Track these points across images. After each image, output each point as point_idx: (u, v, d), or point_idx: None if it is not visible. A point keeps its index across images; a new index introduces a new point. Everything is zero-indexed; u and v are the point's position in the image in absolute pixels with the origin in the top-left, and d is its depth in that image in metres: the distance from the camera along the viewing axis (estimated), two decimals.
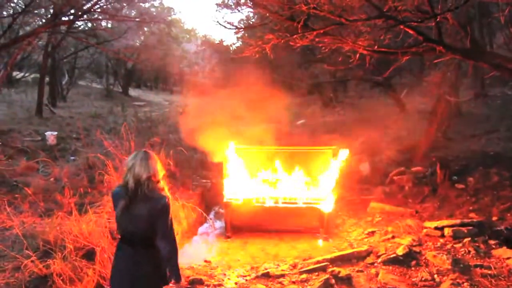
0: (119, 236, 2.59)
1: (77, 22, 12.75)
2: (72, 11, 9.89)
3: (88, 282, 3.53)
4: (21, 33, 12.56)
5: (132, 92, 26.37)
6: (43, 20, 11.32)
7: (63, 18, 9.98)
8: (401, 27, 3.95)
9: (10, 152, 7.89)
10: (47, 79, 15.57)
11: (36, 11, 10.71)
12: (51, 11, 10.48)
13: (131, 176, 2.40)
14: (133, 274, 2.48)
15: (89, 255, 3.77)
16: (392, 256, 4.35)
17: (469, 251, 4.38)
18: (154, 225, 2.40)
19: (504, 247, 4.42)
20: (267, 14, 5.05)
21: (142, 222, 2.40)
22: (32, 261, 3.43)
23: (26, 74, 20.45)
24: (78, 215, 4.14)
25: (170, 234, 2.47)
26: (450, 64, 7.69)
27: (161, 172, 2.50)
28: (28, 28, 12.57)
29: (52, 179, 6.53)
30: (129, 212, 2.39)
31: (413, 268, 4.17)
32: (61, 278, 3.34)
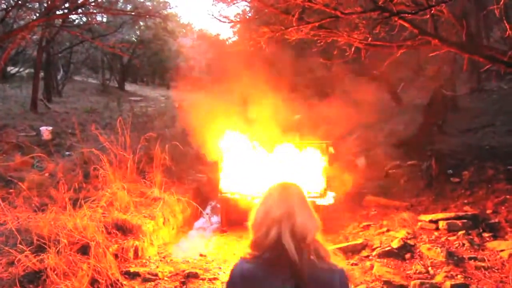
0: None
1: (71, 16, 12.65)
2: (67, 4, 9.79)
3: (83, 277, 3.52)
4: (15, 27, 12.43)
5: (128, 87, 26.25)
6: (37, 14, 11.21)
7: (57, 12, 9.88)
8: (396, 19, 3.94)
9: (4, 148, 7.84)
10: (42, 74, 15.46)
11: (30, 5, 10.60)
12: (45, 5, 10.37)
13: (289, 234, 1.34)
14: None
15: (84, 250, 3.75)
16: (387, 249, 4.37)
17: (463, 244, 4.41)
18: None
19: (498, 240, 4.45)
20: (263, 8, 5.02)
21: None
22: (26, 256, 3.42)
23: (21, 69, 20.28)
24: (73, 210, 4.13)
25: None
26: (446, 58, 7.69)
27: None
28: (22, 23, 12.45)
29: (47, 174, 6.50)
30: None
31: (407, 261, 4.20)
32: (55, 272, 3.32)
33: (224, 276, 4.15)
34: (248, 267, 1.38)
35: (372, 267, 4.08)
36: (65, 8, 10.00)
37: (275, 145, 6.17)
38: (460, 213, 5.03)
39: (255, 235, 1.42)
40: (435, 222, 4.96)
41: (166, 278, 4.02)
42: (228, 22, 6.01)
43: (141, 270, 4.07)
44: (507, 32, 3.78)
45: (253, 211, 1.48)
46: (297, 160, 6.02)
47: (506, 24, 3.85)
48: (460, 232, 4.65)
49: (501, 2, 3.56)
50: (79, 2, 9.33)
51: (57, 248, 3.54)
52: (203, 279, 4.05)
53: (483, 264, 3.97)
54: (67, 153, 8.06)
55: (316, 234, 1.41)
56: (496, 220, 4.89)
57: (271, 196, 1.46)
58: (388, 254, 4.31)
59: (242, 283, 1.38)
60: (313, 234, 1.39)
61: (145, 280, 3.90)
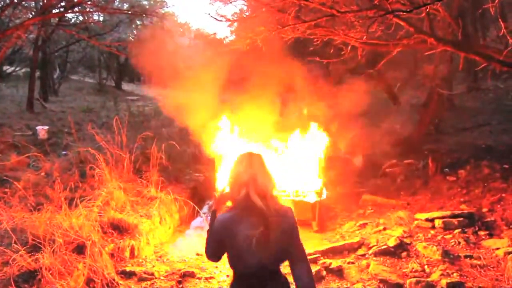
0: (236, 276, 1.95)
1: (68, 15, 12.60)
2: (63, 3, 9.74)
3: (78, 276, 3.50)
4: (10, 26, 12.36)
5: (125, 86, 26.16)
6: (33, 13, 11.16)
7: (53, 11, 9.83)
8: (392, 18, 3.94)
9: (0, 147, 7.80)
10: (38, 73, 15.38)
11: (25, 4, 10.54)
12: (41, 3, 10.32)
13: (254, 191, 1.82)
14: None
15: (79, 249, 3.74)
16: (383, 247, 4.38)
17: (459, 242, 4.43)
18: (289, 249, 1.89)
19: (494, 238, 4.47)
20: (259, 6, 5.01)
21: (276, 248, 1.83)
22: (21, 256, 3.40)
23: (17, 68, 20.19)
24: (69, 209, 4.11)
25: (306, 254, 1.97)
26: (443, 57, 7.71)
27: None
28: (18, 21, 12.38)
29: (43, 173, 6.47)
30: (263, 242, 1.78)
31: (403, 259, 4.21)
32: (51, 272, 3.31)
33: (221, 275, 4.15)
34: (227, 216, 1.86)
35: (368, 265, 4.09)
36: (61, 6, 9.94)
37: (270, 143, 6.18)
38: (456, 212, 5.05)
39: (230, 190, 1.93)
40: (431, 220, 4.98)
41: (162, 278, 4.01)
42: (225, 21, 6.00)
43: (137, 269, 4.06)
44: (502, 31, 3.79)
45: (228, 173, 1.97)
46: (294, 158, 6.03)
47: (502, 23, 3.86)
48: (456, 231, 4.68)
49: (496, 1, 3.56)
50: (75, 0, 9.27)
51: (53, 248, 3.53)
52: (199, 278, 4.04)
53: (478, 262, 3.99)
54: (63, 152, 8.03)
55: (273, 191, 1.90)
56: (492, 219, 4.91)
57: (240, 163, 1.93)
58: (385, 252, 4.32)
59: (222, 228, 1.85)
60: (270, 191, 1.88)
61: (141, 279, 3.89)
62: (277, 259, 1.90)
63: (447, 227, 4.78)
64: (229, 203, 1.93)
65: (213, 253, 1.98)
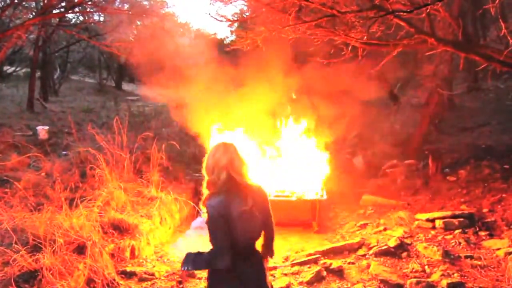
0: (230, 255, 2.08)
1: (68, 15, 12.60)
2: (63, 3, 9.74)
3: (79, 276, 3.51)
4: (11, 26, 12.36)
5: (126, 86, 26.13)
6: (34, 13, 11.16)
7: (54, 11, 9.82)
8: (392, 18, 3.94)
9: (0, 147, 7.80)
10: (38, 73, 15.39)
11: (26, 4, 10.55)
12: (42, 4, 10.32)
13: (235, 173, 2.09)
14: (259, 283, 2.24)
15: (80, 249, 3.75)
16: (383, 248, 4.38)
17: (460, 243, 4.42)
18: (266, 218, 2.25)
19: (494, 238, 4.47)
20: (260, 6, 5.01)
21: (261, 219, 2.20)
22: (21, 256, 3.40)
23: (18, 69, 20.20)
24: (69, 210, 4.11)
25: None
26: (443, 57, 7.70)
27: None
28: (18, 22, 12.38)
29: (43, 173, 6.47)
30: (251, 216, 2.10)
31: (404, 260, 4.21)
32: (51, 272, 3.31)
33: None
34: (218, 201, 2.06)
35: (368, 266, 4.09)
36: (62, 7, 9.95)
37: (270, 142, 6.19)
38: (457, 212, 5.05)
39: (209, 178, 2.14)
40: (432, 221, 4.98)
41: (162, 278, 4.01)
42: (226, 21, 6.00)
43: (137, 269, 4.06)
44: (503, 31, 3.79)
45: (205, 162, 2.21)
46: (295, 159, 6.04)
47: (502, 23, 3.85)
48: (457, 231, 4.68)
49: (497, 1, 3.56)
50: (75, 1, 9.28)
51: (53, 248, 3.53)
52: (199, 279, 4.04)
53: (479, 262, 3.98)
54: (64, 152, 8.03)
55: (247, 173, 2.16)
56: (492, 219, 4.91)
57: (217, 151, 2.17)
58: (385, 253, 4.32)
59: (218, 214, 2.03)
60: (245, 172, 2.15)
61: (142, 279, 3.90)
62: (261, 230, 2.27)
63: (447, 228, 4.78)
64: (209, 188, 2.15)
65: (224, 242, 2.05)
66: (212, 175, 2.12)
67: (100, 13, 13.73)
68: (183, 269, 2.19)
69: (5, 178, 5.99)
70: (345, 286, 3.86)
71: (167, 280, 3.99)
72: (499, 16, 3.77)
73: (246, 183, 2.11)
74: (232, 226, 2.03)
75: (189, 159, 8.03)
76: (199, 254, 2.16)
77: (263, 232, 2.34)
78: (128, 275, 3.94)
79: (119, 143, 6.07)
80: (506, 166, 6.27)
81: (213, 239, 2.07)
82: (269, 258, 2.49)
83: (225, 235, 2.04)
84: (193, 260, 2.16)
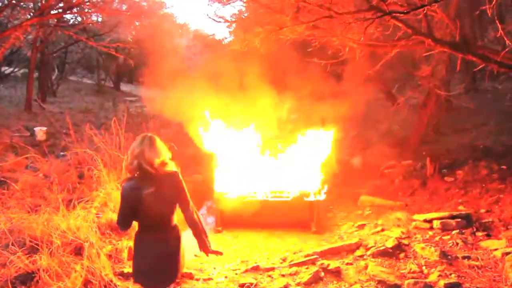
0: (139, 228, 2.63)
1: (66, 16, 12.58)
2: (61, 4, 9.73)
3: (76, 278, 3.49)
4: (9, 27, 12.34)
5: (124, 87, 26.11)
6: (31, 14, 11.14)
7: (52, 12, 9.81)
8: (389, 19, 3.95)
9: None
10: (36, 74, 15.36)
11: (24, 5, 10.53)
12: (39, 4, 10.31)
13: (144, 162, 2.42)
14: (164, 253, 2.63)
15: (77, 251, 3.74)
16: (381, 248, 4.39)
17: (457, 243, 4.43)
18: (177, 201, 2.59)
19: (492, 239, 4.48)
20: (258, 7, 5.02)
21: (168, 202, 2.55)
22: (18, 257, 3.39)
23: (16, 69, 20.14)
24: (66, 211, 4.10)
25: (191, 203, 2.66)
26: (441, 58, 7.71)
27: (168, 154, 2.59)
28: (16, 22, 12.36)
29: (41, 175, 6.45)
30: (156, 198, 2.45)
31: (401, 260, 4.21)
32: (48, 273, 3.30)
33: (219, 276, 4.15)
34: (129, 184, 2.47)
35: (366, 266, 4.09)
36: (60, 7, 9.94)
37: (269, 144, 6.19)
38: (454, 213, 5.07)
39: (126, 163, 2.54)
40: (429, 221, 4.99)
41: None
42: (224, 22, 6.00)
43: None
44: (500, 32, 3.80)
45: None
46: (293, 159, 6.03)
47: (499, 24, 3.87)
48: (454, 231, 4.69)
49: (494, 2, 3.58)
50: (73, 1, 9.27)
51: (50, 249, 3.52)
52: (197, 280, 4.04)
53: (476, 263, 3.99)
54: (62, 153, 8.01)
55: (159, 161, 2.47)
56: (490, 219, 4.93)
57: (135, 142, 2.51)
58: (383, 253, 4.33)
59: (127, 195, 2.46)
60: (157, 161, 2.45)
61: None
62: (170, 208, 2.58)
63: (445, 228, 4.79)
64: (127, 172, 2.54)
65: (124, 219, 2.53)
66: (128, 162, 2.50)
67: (98, 14, 13.74)
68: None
69: (2, 179, 5.97)
70: (343, 286, 3.86)
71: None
72: (496, 17, 3.79)
73: (155, 171, 2.43)
74: (141, 204, 2.44)
75: (188, 160, 8.02)
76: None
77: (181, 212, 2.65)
78: (126, 276, 3.92)
79: (117, 144, 6.06)
80: (503, 167, 6.29)
81: (119, 211, 2.52)
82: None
83: (125, 210, 2.49)
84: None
